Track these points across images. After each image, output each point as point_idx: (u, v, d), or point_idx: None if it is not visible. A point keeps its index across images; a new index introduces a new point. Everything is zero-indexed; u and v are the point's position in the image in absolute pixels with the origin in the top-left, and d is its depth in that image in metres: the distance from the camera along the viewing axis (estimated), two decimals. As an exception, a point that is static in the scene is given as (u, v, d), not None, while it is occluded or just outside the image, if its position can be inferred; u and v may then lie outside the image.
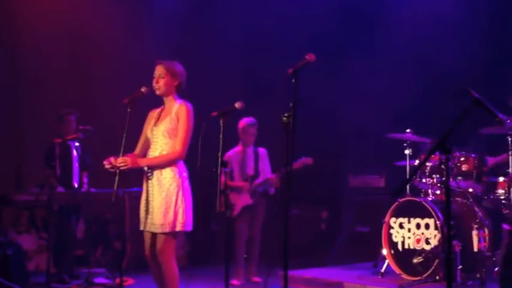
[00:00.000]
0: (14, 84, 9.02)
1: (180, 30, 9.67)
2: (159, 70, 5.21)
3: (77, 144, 7.72)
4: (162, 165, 5.07)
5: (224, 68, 9.57)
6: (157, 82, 5.19)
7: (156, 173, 5.10)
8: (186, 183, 5.15)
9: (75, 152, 7.72)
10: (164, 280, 5.12)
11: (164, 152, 5.11)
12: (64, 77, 8.97)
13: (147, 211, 5.10)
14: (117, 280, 7.02)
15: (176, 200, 5.05)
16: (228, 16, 9.77)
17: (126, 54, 9.21)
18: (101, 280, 7.49)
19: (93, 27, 9.04)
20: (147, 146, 5.28)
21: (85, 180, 7.78)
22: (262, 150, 7.77)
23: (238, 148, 7.69)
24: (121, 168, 4.98)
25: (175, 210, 5.03)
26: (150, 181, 5.12)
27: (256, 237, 7.67)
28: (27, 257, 7.61)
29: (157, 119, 5.25)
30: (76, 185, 7.68)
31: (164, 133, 5.13)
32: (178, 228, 5.05)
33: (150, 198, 5.10)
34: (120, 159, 4.99)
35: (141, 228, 5.20)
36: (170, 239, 5.07)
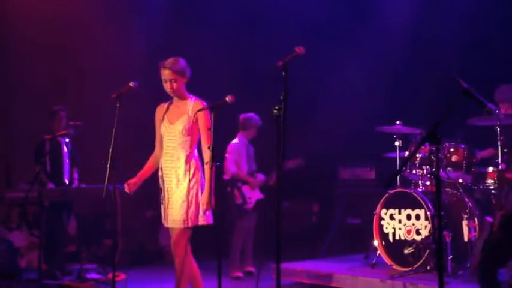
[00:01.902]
0: (3, 81, 8.97)
1: (170, 23, 9.63)
2: (169, 75, 5.20)
3: (67, 140, 7.70)
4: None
5: (215, 62, 9.54)
6: (171, 87, 5.21)
7: (175, 170, 5.16)
8: (203, 178, 5.19)
9: (65, 148, 7.71)
10: (178, 272, 5.16)
11: (183, 150, 5.18)
12: (53, 73, 8.93)
13: (166, 207, 5.21)
14: (109, 275, 7.01)
15: (197, 194, 5.13)
16: (217, 8, 9.74)
17: (115, 50, 9.18)
18: (92, 276, 7.49)
19: (82, 22, 9.00)
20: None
21: (75, 176, 7.77)
22: (252, 148, 7.87)
23: (244, 140, 7.75)
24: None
25: (197, 204, 5.12)
26: (168, 178, 5.19)
27: (252, 230, 7.75)
28: (19, 254, 7.58)
29: (167, 114, 5.29)
30: (67, 181, 7.67)
31: (183, 131, 5.20)
32: (200, 222, 5.16)
33: (169, 195, 5.18)
34: (205, 210, 5.07)
35: (165, 224, 5.29)
36: (186, 232, 5.15)
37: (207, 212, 5.15)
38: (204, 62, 9.30)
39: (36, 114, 8.13)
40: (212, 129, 4.97)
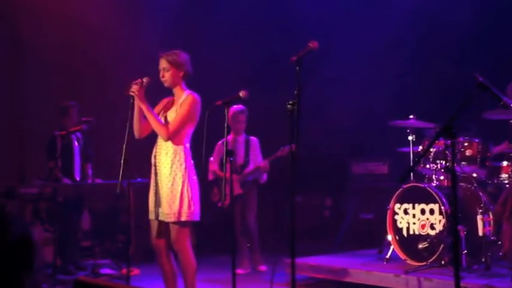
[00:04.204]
0: (17, 77, 9.00)
1: (183, 19, 9.63)
2: (162, 64, 5.22)
3: (78, 135, 7.72)
4: (152, 123, 5.12)
5: (228, 56, 9.54)
6: (163, 76, 5.23)
7: (162, 162, 5.13)
8: (193, 173, 5.18)
9: (76, 143, 7.73)
10: (182, 268, 5.20)
11: (172, 142, 5.14)
12: (66, 70, 8.94)
13: (156, 200, 5.15)
14: (123, 270, 7.05)
15: (182, 189, 5.09)
16: (229, 3, 9.73)
17: (127, 45, 9.18)
18: (106, 271, 7.52)
19: (94, 17, 9.00)
20: None
21: (90, 172, 7.78)
22: (253, 139, 7.75)
23: (229, 137, 7.69)
24: (130, 92, 5.06)
25: (181, 199, 5.08)
26: (157, 171, 5.16)
27: (252, 227, 7.64)
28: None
29: (166, 108, 5.29)
30: (78, 177, 7.68)
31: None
32: (183, 218, 5.09)
33: (158, 188, 5.15)
34: (134, 86, 5.09)
35: (150, 217, 5.24)
36: (182, 228, 5.12)
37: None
38: (218, 58, 9.34)
39: (50, 110, 8.15)
40: (227, 125, 4.96)
